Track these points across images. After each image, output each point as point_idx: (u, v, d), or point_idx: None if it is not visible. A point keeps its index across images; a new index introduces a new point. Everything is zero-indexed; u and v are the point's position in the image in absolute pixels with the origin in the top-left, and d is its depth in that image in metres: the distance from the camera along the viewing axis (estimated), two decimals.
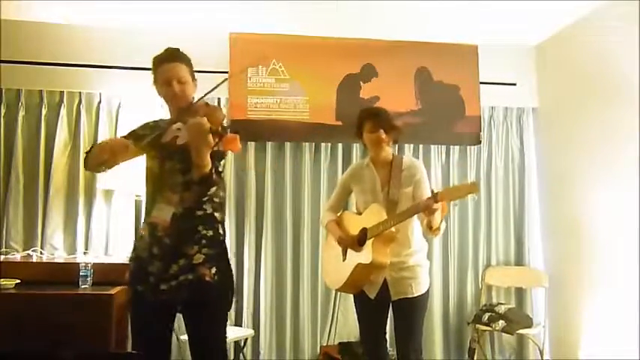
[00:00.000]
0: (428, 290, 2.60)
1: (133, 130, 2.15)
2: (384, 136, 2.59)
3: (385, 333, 2.72)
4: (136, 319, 2.12)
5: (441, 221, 2.42)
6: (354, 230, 2.60)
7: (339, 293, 3.90)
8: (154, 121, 2.18)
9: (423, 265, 2.61)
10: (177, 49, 2.13)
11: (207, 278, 2.03)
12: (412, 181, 2.57)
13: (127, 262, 2.19)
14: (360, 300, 2.67)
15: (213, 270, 2.05)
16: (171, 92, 2.06)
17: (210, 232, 2.08)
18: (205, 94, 2.05)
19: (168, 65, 2.07)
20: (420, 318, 2.59)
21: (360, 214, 2.66)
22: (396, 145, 3.27)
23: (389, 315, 2.65)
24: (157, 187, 2.06)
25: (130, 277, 2.10)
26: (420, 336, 2.58)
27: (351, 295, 3.88)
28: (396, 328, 2.59)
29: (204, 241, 2.05)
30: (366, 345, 2.81)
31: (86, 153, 2.10)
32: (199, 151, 1.90)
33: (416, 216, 2.55)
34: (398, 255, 2.53)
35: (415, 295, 2.53)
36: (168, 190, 2.03)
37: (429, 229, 2.43)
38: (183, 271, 2.01)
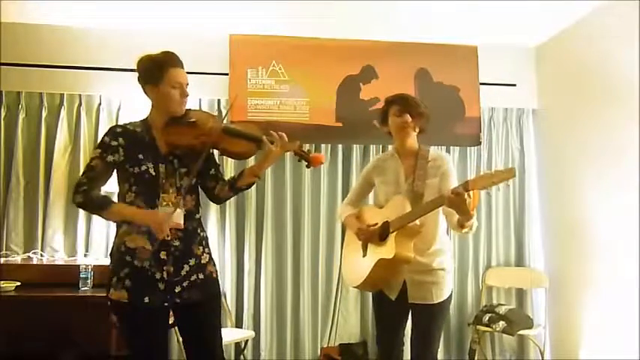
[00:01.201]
0: (450, 296, 2.43)
1: (103, 142, 2.04)
2: (409, 120, 2.45)
3: (403, 336, 2.57)
4: (145, 333, 2.02)
5: (473, 215, 2.17)
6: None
7: (339, 294, 3.91)
8: (118, 126, 2.11)
9: (447, 270, 2.43)
10: None
11: (214, 275, 2.15)
12: (438, 172, 2.40)
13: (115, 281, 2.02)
14: (380, 301, 2.52)
15: (215, 267, 2.18)
16: (180, 96, 2.06)
17: (205, 234, 2.19)
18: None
19: (181, 70, 2.08)
20: (438, 326, 2.44)
21: (381, 207, 2.50)
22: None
23: (409, 318, 2.51)
24: (153, 192, 2.02)
25: (132, 293, 1.97)
26: (437, 343, 2.45)
27: (352, 297, 3.95)
28: (412, 333, 2.46)
29: (204, 242, 2.15)
30: (382, 347, 2.62)
31: (80, 195, 1.99)
32: (269, 165, 2.19)
33: (441, 212, 2.39)
34: (421, 254, 2.35)
35: (435, 302, 2.37)
36: (172, 193, 2.03)
37: (460, 227, 2.22)
38: (194, 271, 2.07)
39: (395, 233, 2.30)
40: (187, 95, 2.08)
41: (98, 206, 2.01)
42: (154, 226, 1.94)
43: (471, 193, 2.08)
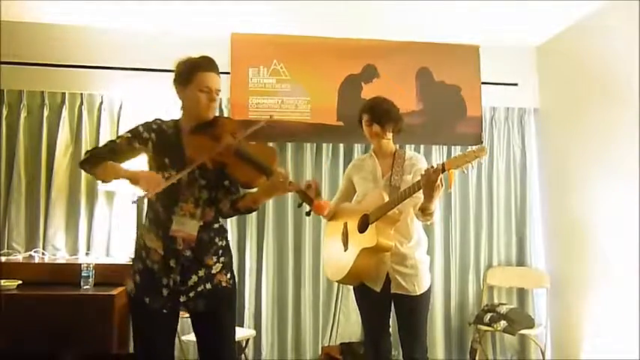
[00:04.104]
0: (430, 287, 2.54)
1: (136, 129, 2.07)
2: (377, 130, 2.56)
3: (389, 327, 2.64)
4: (143, 332, 2.06)
5: (436, 200, 2.28)
6: (355, 220, 2.50)
7: (340, 293, 3.91)
8: (155, 122, 2.11)
9: (424, 262, 2.54)
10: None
11: (224, 284, 2.12)
12: (413, 169, 2.53)
13: (129, 268, 2.12)
14: (364, 294, 2.59)
15: (228, 275, 2.15)
16: (208, 101, 2.04)
17: (224, 242, 2.17)
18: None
19: (214, 74, 2.07)
20: (423, 317, 2.54)
21: (359, 202, 2.60)
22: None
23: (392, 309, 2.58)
24: (172, 199, 2.02)
25: (137, 289, 2.06)
26: (425, 335, 2.54)
27: (353, 296, 3.92)
28: (399, 327, 2.55)
29: (220, 251, 2.13)
30: (369, 340, 2.67)
31: (89, 153, 2.06)
32: (269, 198, 2.21)
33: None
34: (400, 244, 2.47)
35: (417, 293, 2.47)
36: (191, 203, 2.04)
37: (422, 213, 2.35)
38: (202, 281, 2.06)
39: (375, 223, 2.39)
40: (215, 100, 2.05)
41: (95, 161, 2.01)
42: (141, 181, 1.89)
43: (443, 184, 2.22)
